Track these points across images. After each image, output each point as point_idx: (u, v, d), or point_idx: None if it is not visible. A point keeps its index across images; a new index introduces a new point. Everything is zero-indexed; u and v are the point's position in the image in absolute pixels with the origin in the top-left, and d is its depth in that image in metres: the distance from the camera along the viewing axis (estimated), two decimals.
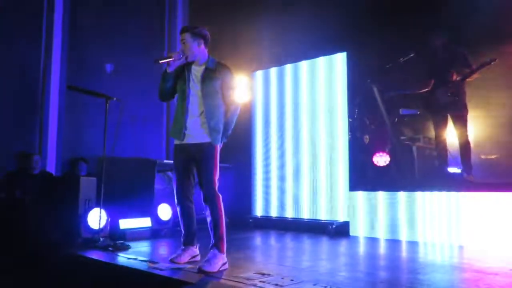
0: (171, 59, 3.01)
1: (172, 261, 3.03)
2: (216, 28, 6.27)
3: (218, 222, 2.95)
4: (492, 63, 4.46)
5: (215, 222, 2.96)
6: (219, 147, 3.07)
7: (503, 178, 4.79)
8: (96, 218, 3.93)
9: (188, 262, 3.06)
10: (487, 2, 4.29)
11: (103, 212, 3.95)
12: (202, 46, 3.11)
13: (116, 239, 3.95)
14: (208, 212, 2.98)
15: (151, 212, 4.66)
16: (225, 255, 2.95)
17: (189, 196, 3.11)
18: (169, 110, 6.95)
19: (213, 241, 2.95)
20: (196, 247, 3.19)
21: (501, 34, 4.47)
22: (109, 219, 4.07)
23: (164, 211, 4.78)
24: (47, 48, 5.51)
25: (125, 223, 4.34)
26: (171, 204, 4.91)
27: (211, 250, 2.93)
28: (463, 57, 4.77)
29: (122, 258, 3.32)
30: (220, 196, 2.99)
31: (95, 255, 3.46)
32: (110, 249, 3.64)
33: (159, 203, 4.79)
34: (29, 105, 5.40)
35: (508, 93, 4.54)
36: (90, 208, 4.02)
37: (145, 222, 4.54)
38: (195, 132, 3.01)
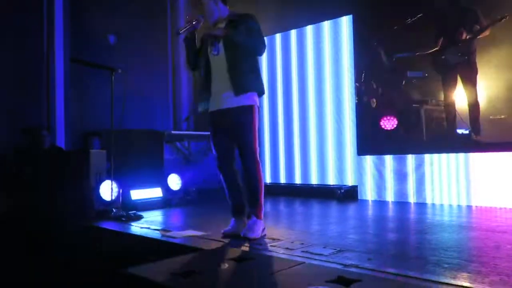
0: (191, 25, 2.87)
1: (225, 234, 2.92)
2: None
3: (258, 189, 2.85)
4: (503, 20, 4.34)
5: (254, 189, 2.85)
6: (256, 101, 2.86)
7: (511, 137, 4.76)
8: (108, 190, 4.01)
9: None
10: None
11: (115, 184, 4.01)
12: (220, 3, 2.91)
13: (128, 209, 4.03)
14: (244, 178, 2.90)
15: (162, 183, 4.73)
16: (263, 220, 2.91)
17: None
18: (174, 80, 6.92)
19: (251, 208, 2.88)
20: (247, 218, 2.97)
21: None
22: (121, 191, 4.14)
23: (174, 181, 4.85)
24: (49, 18, 5.40)
25: (137, 194, 4.42)
26: (181, 174, 4.98)
27: (250, 219, 2.87)
28: (474, 15, 4.64)
29: (136, 228, 3.40)
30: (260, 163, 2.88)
31: (108, 225, 3.55)
32: (123, 219, 3.73)
33: (168, 174, 4.86)
34: (34, 78, 5.27)
35: None
36: (102, 181, 4.09)
37: (156, 192, 4.62)
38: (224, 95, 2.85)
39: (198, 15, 2.92)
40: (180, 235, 2.99)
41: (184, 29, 2.89)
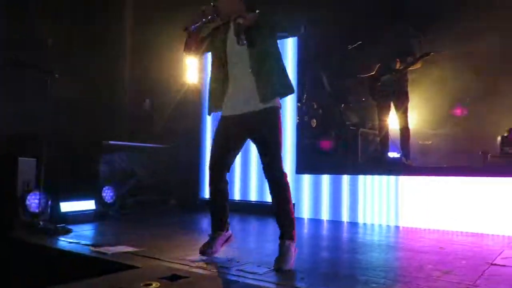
0: (204, 21, 2.57)
1: (203, 253, 2.71)
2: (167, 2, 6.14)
3: (290, 201, 2.59)
4: (430, 54, 4.71)
5: (285, 201, 2.57)
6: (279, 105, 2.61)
7: (437, 162, 5.13)
8: (36, 201, 3.78)
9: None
10: None
11: (43, 195, 3.79)
12: (238, 1, 2.60)
13: (57, 222, 3.81)
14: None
15: (96, 194, 4.54)
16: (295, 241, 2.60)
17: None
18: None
19: (284, 228, 2.56)
20: (226, 230, 2.83)
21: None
22: (50, 202, 3.92)
23: (109, 193, 4.67)
24: None
25: (67, 206, 4.19)
26: (117, 186, 4.82)
27: (283, 243, 2.52)
28: (409, 47, 4.97)
29: (63, 242, 3.22)
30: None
31: (34, 239, 3.33)
32: (50, 232, 3.52)
33: (104, 185, 4.67)
34: None
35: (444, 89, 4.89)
36: (30, 191, 3.85)
37: (89, 204, 4.41)
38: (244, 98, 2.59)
39: (213, 12, 2.57)
40: (112, 251, 2.88)
41: (196, 25, 2.57)
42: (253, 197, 5.60)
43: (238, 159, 5.71)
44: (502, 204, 3.83)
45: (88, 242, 3.19)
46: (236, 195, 5.70)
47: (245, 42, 2.46)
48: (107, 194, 4.65)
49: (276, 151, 2.55)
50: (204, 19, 2.56)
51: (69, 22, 5.83)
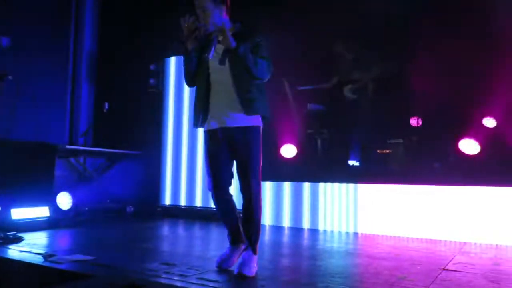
0: (190, 34, 2.47)
1: (220, 267, 2.66)
2: (132, 5, 6.05)
3: (260, 219, 2.62)
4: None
5: (256, 219, 2.59)
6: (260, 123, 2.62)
7: (394, 171, 5.29)
8: None
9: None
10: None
11: None
12: (224, 13, 2.58)
13: (7, 230, 3.62)
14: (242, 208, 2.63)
15: (50, 201, 4.36)
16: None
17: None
18: (73, 92, 6.52)
19: (249, 241, 2.60)
20: (243, 244, 2.73)
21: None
22: None
23: (65, 200, 4.50)
24: None
25: (19, 213, 4.01)
26: (73, 193, 4.66)
27: (247, 251, 2.59)
28: (366, 60, 5.14)
29: (14, 251, 3.07)
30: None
31: None
32: (0, 241, 3.35)
33: (59, 191, 4.50)
34: None
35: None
36: None
37: (42, 211, 4.24)
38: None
39: (199, 24, 2.48)
40: (66, 260, 2.77)
41: (182, 39, 2.50)
42: (198, 203, 5.57)
43: (200, 167, 5.68)
44: (455, 211, 4.00)
45: (40, 251, 3.06)
46: (198, 202, 5.65)
47: (210, 57, 2.41)
48: (62, 200, 4.48)
49: (255, 169, 2.56)
50: (191, 33, 2.47)
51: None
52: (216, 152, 2.63)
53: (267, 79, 2.60)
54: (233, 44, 2.42)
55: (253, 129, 2.58)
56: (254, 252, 2.59)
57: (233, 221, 2.73)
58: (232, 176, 2.70)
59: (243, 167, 2.58)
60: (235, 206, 2.74)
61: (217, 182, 2.65)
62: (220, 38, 2.44)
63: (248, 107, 2.53)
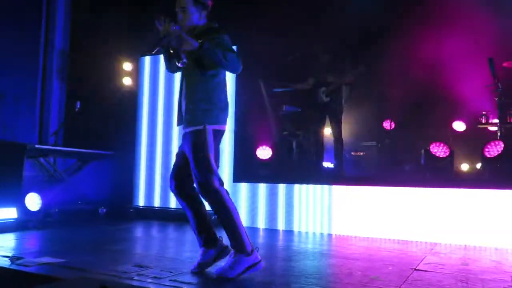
0: (164, 41, 2.44)
1: (196, 272, 2.60)
2: (107, 3, 5.93)
3: (228, 220, 2.59)
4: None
5: (221, 221, 2.59)
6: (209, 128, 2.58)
7: (368, 172, 5.38)
8: None
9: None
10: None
11: None
12: (203, 14, 2.59)
13: None
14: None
15: (18, 202, 4.22)
16: (252, 255, 2.54)
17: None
18: (44, 90, 6.33)
19: (230, 242, 2.59)
20: (218, 244, 2.72)
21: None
22: None
23: (33, 201, 4.37)
24: None
25: None
26: (42, 193, 4.52)
27: (230, 255, 2.58)
28: (341, 62, 5.21)
29: None
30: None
31: None
32: None
33: (27, 192, 4.36)
34: None
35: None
36: None
37: (10, 213, 4.11)
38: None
39: (172, 26, 2.40)
40: (35, 263, 2.68)
41: (159, 45, 2.47)
42: (173, 204, 5.51)
43: (158, 166, 5.63)
44: (426, 213, 4.09)
45: (7, 254, 2.95)
46: (172, 203, 5.59)
47: (180, 65, 2.45)
48: (31, 201, 4.34)
49: (202, 170, 2.52)
50: (169, 37, 2.42)
51: None
52: (180, 152, 2.69)
53: (240, 71, 2.57)
54: (195, 44, 2.37)
55: (200, 131, 2.57)
56: (241, 251, 2.53)
57: (203, 223, 2.79)
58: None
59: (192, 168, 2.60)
60: (201, 200, 2.73)
61: (180, 182, 2.68)
62: (175, 43, 2.42)
63: (187, 119, 2.56)
